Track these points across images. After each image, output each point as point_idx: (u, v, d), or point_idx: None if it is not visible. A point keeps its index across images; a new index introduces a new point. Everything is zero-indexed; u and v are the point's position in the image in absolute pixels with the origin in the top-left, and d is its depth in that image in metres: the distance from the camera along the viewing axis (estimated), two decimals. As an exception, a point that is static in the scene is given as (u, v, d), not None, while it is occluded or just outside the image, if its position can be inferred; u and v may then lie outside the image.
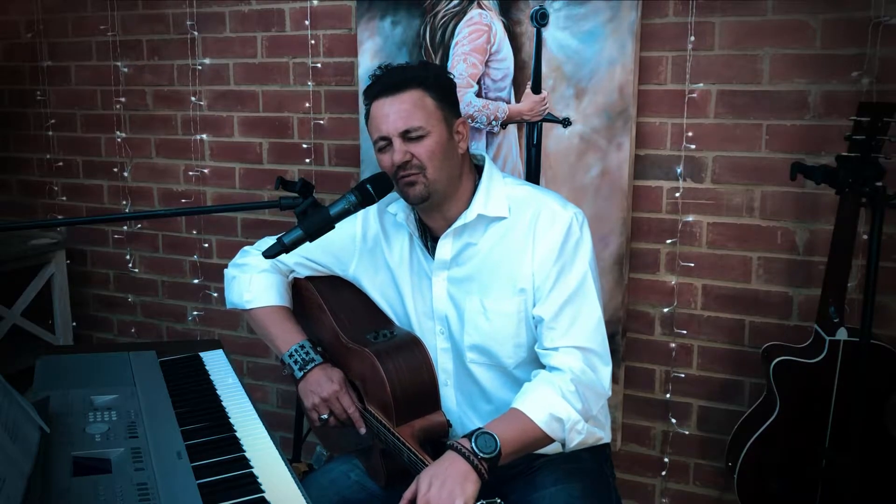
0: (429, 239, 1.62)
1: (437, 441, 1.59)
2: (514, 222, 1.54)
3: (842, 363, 1.89)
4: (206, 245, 2.98)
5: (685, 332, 2.29)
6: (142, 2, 2.91)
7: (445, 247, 1.57)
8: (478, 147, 2.34)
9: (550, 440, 1.46)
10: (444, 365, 1.61)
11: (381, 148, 1.52)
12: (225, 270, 1.82)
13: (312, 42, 2.64)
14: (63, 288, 3.14)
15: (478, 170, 1.60)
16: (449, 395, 1.61)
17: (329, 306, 1.71)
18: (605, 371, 1.51)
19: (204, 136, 2.90)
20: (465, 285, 1.56)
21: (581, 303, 1.50)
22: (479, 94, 2.33)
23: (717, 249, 2.22)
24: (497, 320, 1.53)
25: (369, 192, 1.48)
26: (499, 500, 1.24)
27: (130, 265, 3.15)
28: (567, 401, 1.44)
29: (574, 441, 1.47)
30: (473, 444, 1.33)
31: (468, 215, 1.54)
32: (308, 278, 1.78)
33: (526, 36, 2.25)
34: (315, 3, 2.62)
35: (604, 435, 1.57)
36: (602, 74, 2.17)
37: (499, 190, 1.56)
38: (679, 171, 2.21)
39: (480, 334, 1.55)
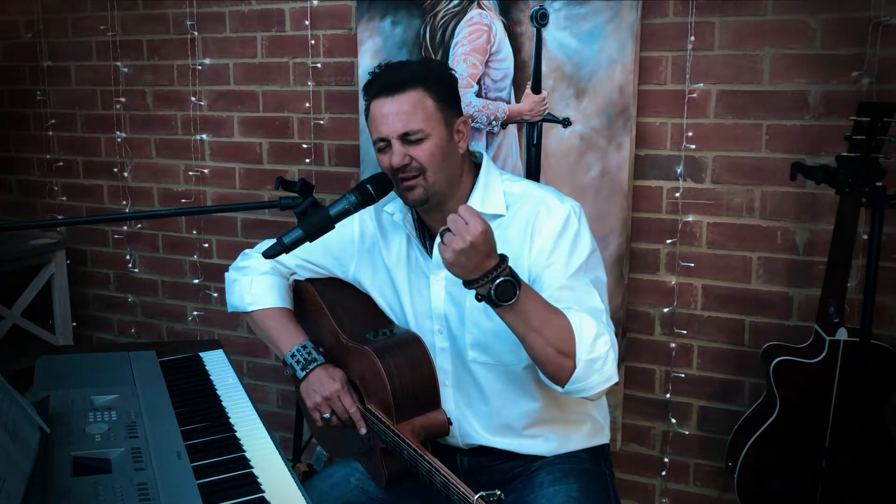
0: (427, 238, 1.62)
1: (438, 440, 1.59)
2: (511, 219, 1.54)
3: (842, 363, 1.89)
4: (206, 245, 2.98)
5: (685, 332, 2.29)
6: (142, 2, 2.91)
7: None
8: (478, 147, 2.34)
9: (570, 338, 1.35)
10: (442, 365, 1.61)
11: (381, 149, 1.51)
12: (226, 274, 1.82)
13: (312, 42, 2.64)
14: (63, 288, 3.14)
15: (476, 167, 1.60)
16: (447, 394, 1.61)
17: (329, 307, 1.71)
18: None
19: (204, 136, 2.90)
20: None
21: (580, 289, 1.47)
22: (479, 94, 2.33)
23: (717, 249, 2.22)
24: (497, 317, 1.53)
25: (369, 192, 1.48)
26: (499, 492, 1.23)
27: (130, 265, 3.15)
28: (595, 320, 1.39)
29: (597, 352, 1.36)
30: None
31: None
32: (308, 280, 1.78)
33: (526, 36, 2.25)
34: (315, 3, 2.62)
35: (614, 378, 1.42)
36: (602, 74, 2.17)
37: (496, 187, 1.56)
38: (679, 171, 2.21)
39: (482, 332, 1.55)
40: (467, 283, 1.31)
